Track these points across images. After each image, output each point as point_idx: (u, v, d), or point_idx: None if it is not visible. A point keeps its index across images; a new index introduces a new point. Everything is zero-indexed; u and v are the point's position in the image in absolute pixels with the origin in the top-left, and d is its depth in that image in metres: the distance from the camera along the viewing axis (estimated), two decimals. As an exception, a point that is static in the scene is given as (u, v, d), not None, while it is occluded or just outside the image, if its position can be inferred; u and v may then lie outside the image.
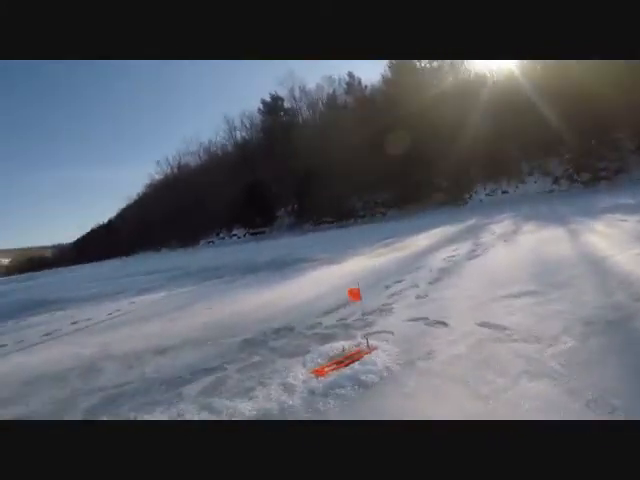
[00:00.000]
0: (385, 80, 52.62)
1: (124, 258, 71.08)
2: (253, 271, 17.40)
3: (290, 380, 5.07)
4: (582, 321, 5.42)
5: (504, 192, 40.45)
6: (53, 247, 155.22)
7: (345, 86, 58.79)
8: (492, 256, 11.44)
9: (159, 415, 4.62)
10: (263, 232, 56.39)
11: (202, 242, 63.69)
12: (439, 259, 12.22)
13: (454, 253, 12.87)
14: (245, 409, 4.47)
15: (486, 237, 15.34)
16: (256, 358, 6.22)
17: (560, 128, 34.92)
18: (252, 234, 57.49)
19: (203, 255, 40.45)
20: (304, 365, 5.56)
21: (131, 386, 5.93)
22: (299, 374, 5.24)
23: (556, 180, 38.06)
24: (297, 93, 61.99)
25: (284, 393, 4.76)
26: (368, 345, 5.80)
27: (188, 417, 4.46)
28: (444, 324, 6.32)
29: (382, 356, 5.36)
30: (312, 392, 4.68)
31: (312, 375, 5.16)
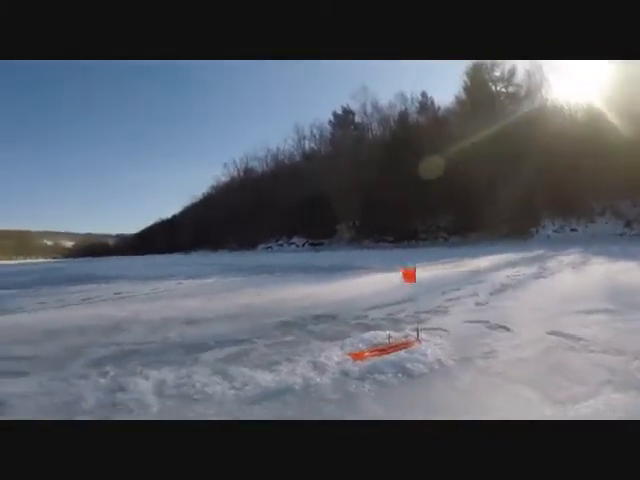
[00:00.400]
0: (459, 101, 51.57)
1: (182, 254, 72.04)
2: (305, 271, 17.01)
3: (322, 359, 4.46)
4: (670, 339, 4.74)
5: (573, 230, 38.75)
6: (116, 236, 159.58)
7: (417, 105, 57.66)
8: (559, 279, 10.66)
9: (166, 373, 4.27)
10: (322, 244, 55.81)
11: (260, 247, 63.59)
12: (502, 276, 11.37)
13: (518, 273, 12.02)
14: (263, 380, 3.96)
15: (553, 264, 14.43)
16: (290, 337, 5.68)
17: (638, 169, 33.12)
18: (311, 244, 57.06)
19: (259, 257, 40.78)
20: (342, 348, 4.91)
21: (149, 346, 5.59)
22: (334, 355, 4.60)
23: (628, 223, 36.13)
24: (369, 108, 59.66)
25: (312, 371, 4.17)
26: (419, 337, 5.07)
27: (196, 379, 4.06)
28: (507, 329, 5.61)
29: (434, 348, 4.67)
30: (345, 374, 4.06)
31: (349, 358, 4.50)
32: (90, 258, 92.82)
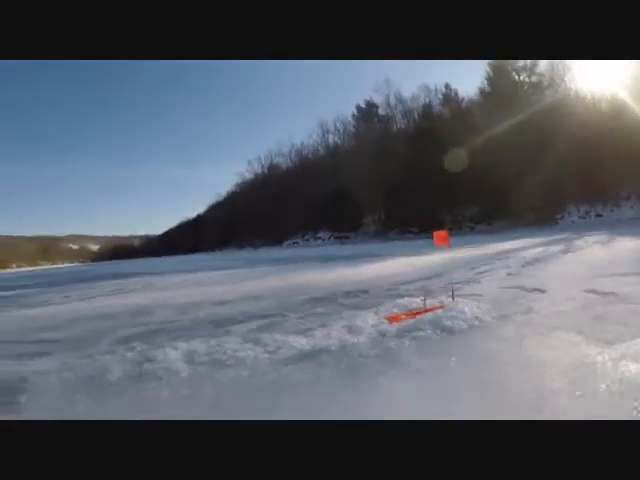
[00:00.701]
0: (482, 92, 51.07)
1: (208, 253, 72.11)
2: (331, 259, 16.95)
3: (358, 323, 4.34)
4: None
5: (598, 215, 38.11)
6: (141, 237, 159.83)
7: (441, 97, 56.94)
8: (588, 252, 10.75)
9: (196, 344, 4.17)
10: (347, 237, 55.71)
11: (287, 242, 63.79)
12: (531, 253, 11.39)
13: (546, 250, 12.06)
14: (297, 343, 3.86)
15: (579, 243, 14.20)
16: (321, 309, 5.58)
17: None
18: (337, 238, 56.86)
19: (285, 251, 41.31)
20: (376, 313, 4.79)
21: (178, 324, 5.58)
22: (369, 320, 4.47)
23: (654, 208, 35.59)
24: (392, 101, 59.04)
25: (348, 333, 4.06)
26: (454, 299, 4.95)
27: (227, 347, 3.98)
28: (542, 291, 5.58)
29: (472, 307, 4.54)
30: (383, 334, 3.94)
31: (384, 321, 4.38)
32: (117, 261, 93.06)
